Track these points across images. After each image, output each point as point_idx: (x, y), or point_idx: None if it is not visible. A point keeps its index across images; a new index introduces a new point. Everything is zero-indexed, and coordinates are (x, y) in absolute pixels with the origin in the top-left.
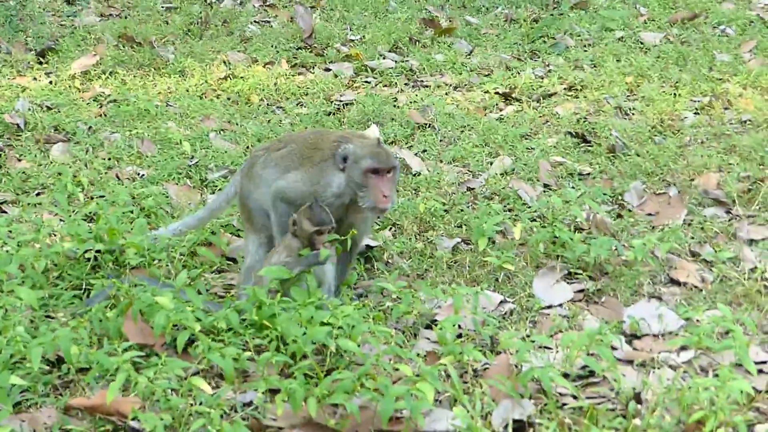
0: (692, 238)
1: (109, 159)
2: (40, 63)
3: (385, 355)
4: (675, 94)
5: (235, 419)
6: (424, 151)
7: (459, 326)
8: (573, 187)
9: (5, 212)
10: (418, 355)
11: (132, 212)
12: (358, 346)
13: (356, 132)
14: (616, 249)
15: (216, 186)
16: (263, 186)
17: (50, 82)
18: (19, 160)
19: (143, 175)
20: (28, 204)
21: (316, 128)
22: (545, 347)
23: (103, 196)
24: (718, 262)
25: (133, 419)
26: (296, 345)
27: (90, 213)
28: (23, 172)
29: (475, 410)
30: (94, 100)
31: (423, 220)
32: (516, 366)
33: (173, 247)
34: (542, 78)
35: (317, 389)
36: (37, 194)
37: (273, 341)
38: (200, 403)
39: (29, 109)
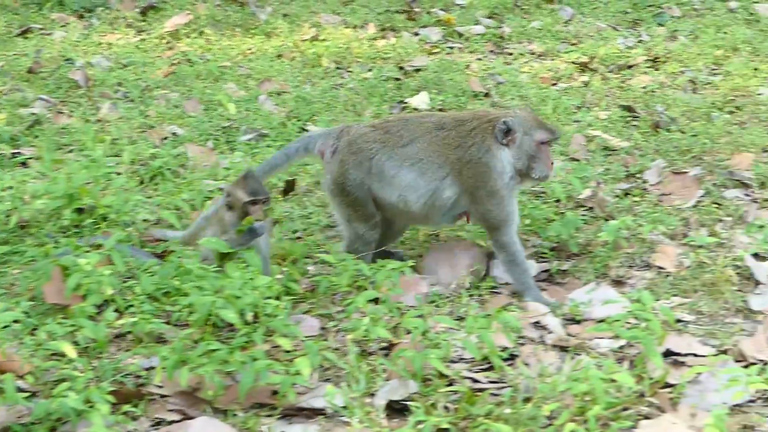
0: (698, 220)
1: (154, 118)
2: (141, 21)
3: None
4: (756, 68)
5: (101, 385)
6: None
7: (398, 308)
8: (587, 163)
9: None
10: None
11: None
12: (241, 316)
13: (478, 110)
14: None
15: (243, 148)
16: (391, 185)
17: (141, 40)
18: (71, 117)
19: (177, 134)
20: (53, 161)
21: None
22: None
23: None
24: (704, 247)
25: None
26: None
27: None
28: (63, 128)
29: (359, 388)
30: (170, 60)
31: None
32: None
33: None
34: (630, 48)
35: (191, 359)
36: (70, 152)
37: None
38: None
39: (99, 66)
